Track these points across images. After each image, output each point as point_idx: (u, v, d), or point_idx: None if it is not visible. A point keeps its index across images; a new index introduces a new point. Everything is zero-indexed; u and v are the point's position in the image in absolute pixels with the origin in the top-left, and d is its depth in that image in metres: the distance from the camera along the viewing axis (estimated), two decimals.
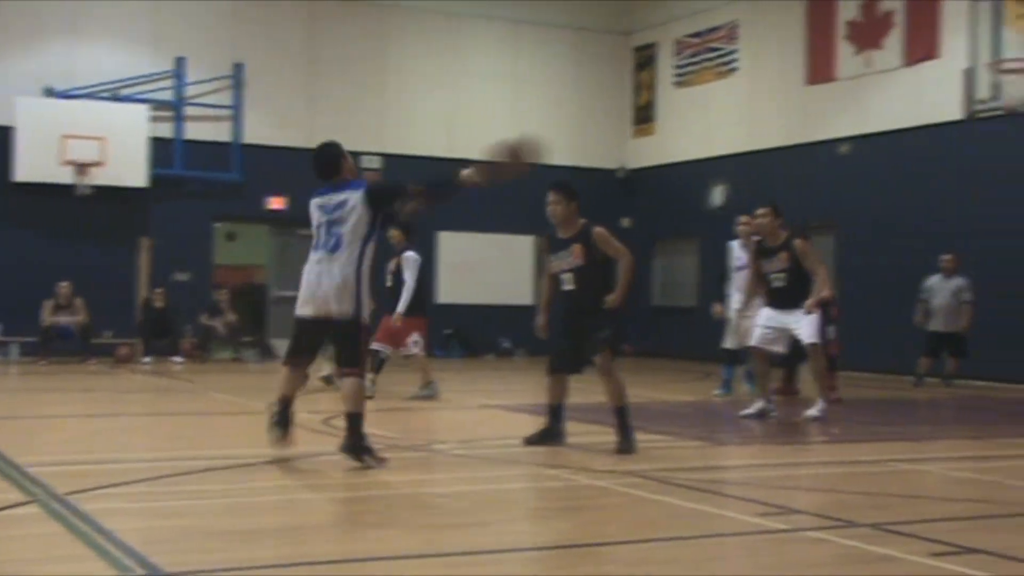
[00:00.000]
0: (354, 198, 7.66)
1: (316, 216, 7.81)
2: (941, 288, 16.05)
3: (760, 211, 11.31)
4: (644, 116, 23.72)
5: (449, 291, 22.12)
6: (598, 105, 23.82)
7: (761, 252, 11.32)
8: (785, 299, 11.11)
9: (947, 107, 16.74)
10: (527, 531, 6.07)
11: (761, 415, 11.17)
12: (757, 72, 21.02)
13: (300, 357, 7.95)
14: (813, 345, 11.07)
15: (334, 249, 7.63)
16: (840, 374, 13.85)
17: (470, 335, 22.21)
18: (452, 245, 22.28)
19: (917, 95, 17.79)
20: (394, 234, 12.82)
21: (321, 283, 7.62)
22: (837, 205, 19.05)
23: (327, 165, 7.92)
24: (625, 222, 23.18)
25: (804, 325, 11.04)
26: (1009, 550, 5.36)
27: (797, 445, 10.12)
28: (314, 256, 7.73)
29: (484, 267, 22.44)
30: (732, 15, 21.50)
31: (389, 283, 12.81)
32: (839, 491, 7.36)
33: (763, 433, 10.73)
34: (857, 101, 18.93)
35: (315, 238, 7.80)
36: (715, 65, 21.90)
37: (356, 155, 21.39)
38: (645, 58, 23.69)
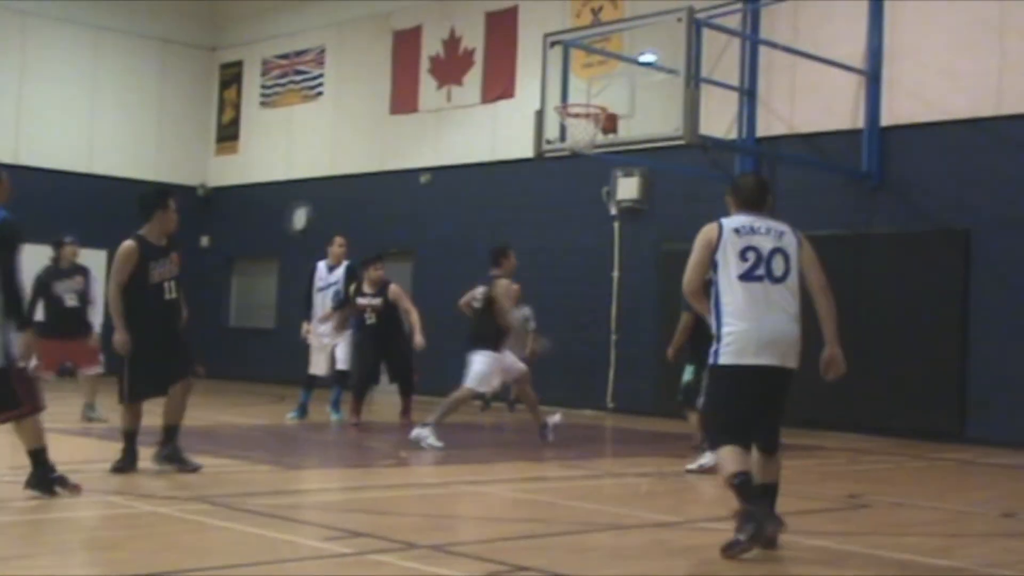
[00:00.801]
0: None
1: None
2: None
3: None
4: (228, 134, 23.35)
5: None
6: (181, 120, 23.21)
7: None
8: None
9: (520, 144, 17.59)
10: (79, 562, 5.76)
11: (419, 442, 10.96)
12: (343, 98, 21.23)
13: None
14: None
15: None
16: (416, 398, 14.03)
17: None
18: None
19: (493, 131, 18.63)
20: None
21: None
22: (415, 232, 19.55)
23: None
24: (204, 241, 22.70)
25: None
26: (555, 566, 5.66)
27: (365, 469, 10.25)
28: None
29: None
30: (320, 40, 21.61)
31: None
32: (404, 514, 7.51)
33: (334, 457, 10.78)
34: (438, 133, 19.55)
35: None
36: (301, 88, 21.92)
37: None
38: (231, 76, 23.34)
